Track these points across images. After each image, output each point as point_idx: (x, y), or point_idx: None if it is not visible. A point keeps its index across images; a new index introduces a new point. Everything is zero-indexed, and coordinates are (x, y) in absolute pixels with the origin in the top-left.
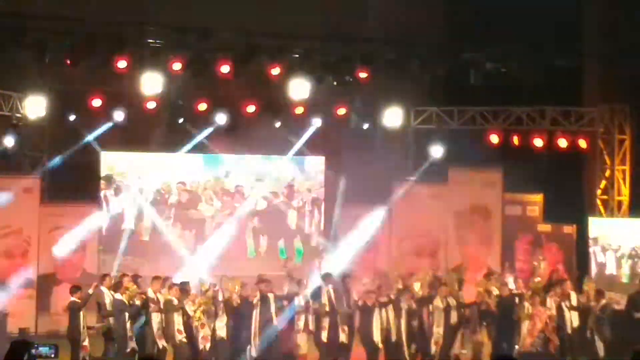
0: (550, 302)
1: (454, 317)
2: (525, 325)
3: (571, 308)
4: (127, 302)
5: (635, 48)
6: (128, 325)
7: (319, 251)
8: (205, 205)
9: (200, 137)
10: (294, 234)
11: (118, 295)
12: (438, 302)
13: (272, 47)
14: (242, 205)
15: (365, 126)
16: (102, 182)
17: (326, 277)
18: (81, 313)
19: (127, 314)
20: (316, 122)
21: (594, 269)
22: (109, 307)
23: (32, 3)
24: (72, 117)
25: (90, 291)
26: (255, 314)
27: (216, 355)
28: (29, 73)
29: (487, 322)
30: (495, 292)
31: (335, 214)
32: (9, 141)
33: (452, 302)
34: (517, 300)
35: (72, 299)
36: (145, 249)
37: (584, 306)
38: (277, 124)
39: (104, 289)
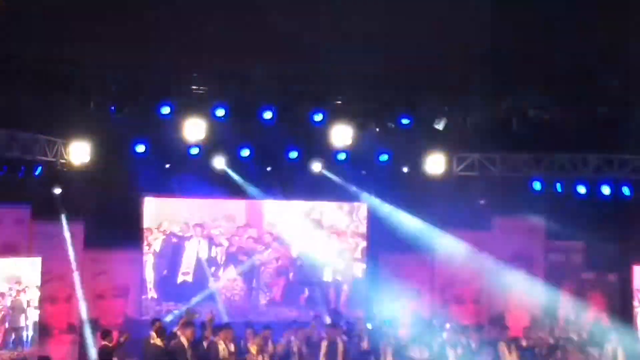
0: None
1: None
2: None
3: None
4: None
5: None
6: None
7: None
8: (249, 250)
9: (243, 183)
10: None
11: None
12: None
13: (315, 94)
14: (284, 250)
15: (407, 172)
16: (145, 227)
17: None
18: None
19: None
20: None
21: None
22: None
23: (77, 49)
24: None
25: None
26: None
27: None
28: (74, 119)
29: None
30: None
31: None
32: (54, 187)
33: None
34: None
35: (103, 343)
36: (191, 293)
37: None
38: (319, 170)
39: None
